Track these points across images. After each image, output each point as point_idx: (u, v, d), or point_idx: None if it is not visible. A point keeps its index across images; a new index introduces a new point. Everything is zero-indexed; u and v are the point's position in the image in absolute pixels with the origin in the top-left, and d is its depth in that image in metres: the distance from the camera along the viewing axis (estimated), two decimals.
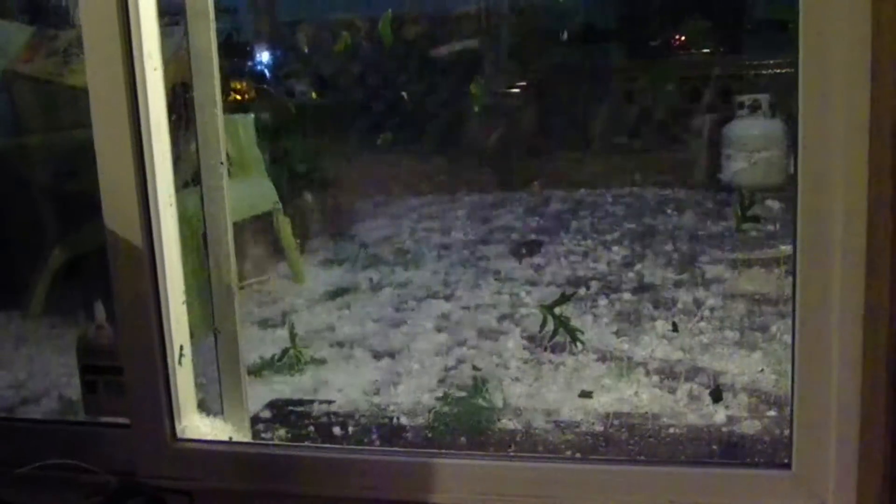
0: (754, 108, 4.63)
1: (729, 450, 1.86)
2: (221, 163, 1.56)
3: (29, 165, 2.99)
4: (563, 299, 2.44)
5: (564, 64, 5.37)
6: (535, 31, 5.36)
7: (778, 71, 4.72)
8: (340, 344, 2.75)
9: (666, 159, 4.96)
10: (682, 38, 5.36)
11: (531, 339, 2.61)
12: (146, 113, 1.41)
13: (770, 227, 3.43)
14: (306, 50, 4.92)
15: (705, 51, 5.39)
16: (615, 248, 3.68)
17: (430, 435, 2.02)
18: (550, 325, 2.30)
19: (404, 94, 5.00)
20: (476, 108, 4.31)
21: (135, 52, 1.38)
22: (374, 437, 2.03)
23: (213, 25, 1.53)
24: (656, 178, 4.70)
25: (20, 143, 3.11)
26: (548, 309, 2.26)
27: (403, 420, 2.10)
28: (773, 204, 3.79)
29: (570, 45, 5.27)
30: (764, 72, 4.90)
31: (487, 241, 4.00)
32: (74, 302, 2.43)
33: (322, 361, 2.58)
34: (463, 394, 2.25)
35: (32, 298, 2.93)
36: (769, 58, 4.81)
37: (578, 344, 2.38)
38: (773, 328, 2.60)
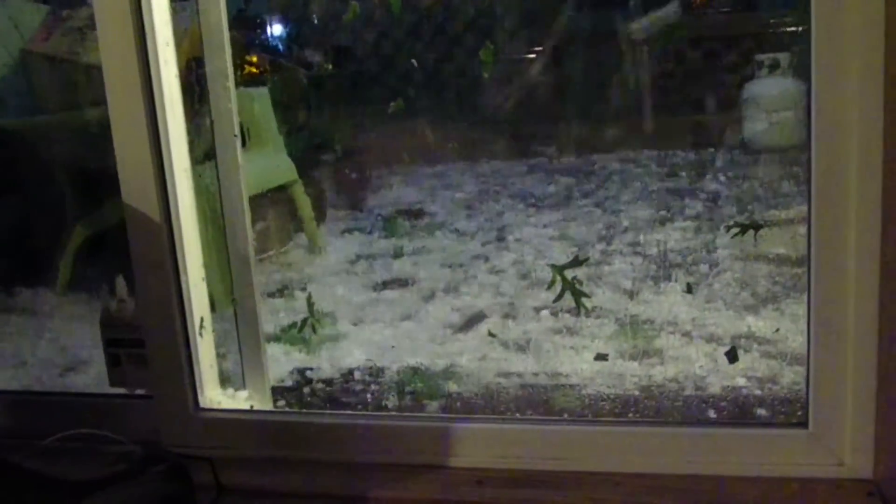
0: (773, 67, 4.56)
1: (746, 410, 1.86)
2: (235, 136, 1.57)
3: (48, 144, 3.02)
4: (576, 262, 2.43)
5: (579, 27, 5.30)
6: None
7: (798, 28, 4.63)
8: (359, 311, 2.78)
9: (685, 122, 4.91)
10: None
11: (547, 303, 2.61)
12: (160, 88, 1.41)
13: (788, 188, 3.41)
14: (315, 21, 4.90)
15: (725, 10, 5.30)
16: (631, 211, 3.68)
17: (446, 401, 2.03)
18: (559, 286, 2.29)
19: (414, 61, 4.97)
20: (486, 75, 4.28)
21: (146, 28, 1.39)
22: (394, 402, 2.05)
23: None
24: (675, 141, 4.66)
25: (39, 123, 3.14)
26: (559, 270, 2.25)
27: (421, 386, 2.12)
28: (793, 163, 3.75)
29: (585, 7, 5.20)
30: (784, 30, 4.82)
31: (505, 207, 4.00)
32: (99, 277, 2.47)
33: (341, 329, 2.60)
34: (479, 358, 2.27)
35: (58, 276, 2.97)
36: (788, 16, 4.72)
37: (583, 309, 2.38)
38: (790, 287, 2.59)
